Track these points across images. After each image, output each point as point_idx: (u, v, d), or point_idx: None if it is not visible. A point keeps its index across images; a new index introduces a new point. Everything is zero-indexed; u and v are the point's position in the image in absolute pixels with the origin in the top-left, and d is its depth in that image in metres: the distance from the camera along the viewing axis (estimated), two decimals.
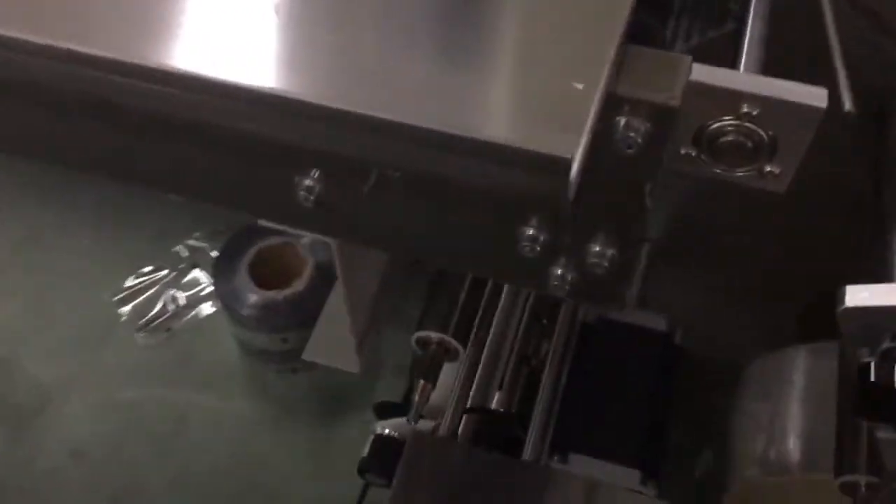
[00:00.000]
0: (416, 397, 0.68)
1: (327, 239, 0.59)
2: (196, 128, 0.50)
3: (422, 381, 0.67)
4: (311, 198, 0.51)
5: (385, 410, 0.85)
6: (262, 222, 0.58)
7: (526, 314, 0.84)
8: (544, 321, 0.85)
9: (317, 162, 0.49)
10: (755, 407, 0.88)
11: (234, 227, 1.24)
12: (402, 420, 0.82)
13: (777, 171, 0.41)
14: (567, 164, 0.37)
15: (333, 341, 0.73)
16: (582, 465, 0.72)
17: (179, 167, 0.55)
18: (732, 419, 0.86)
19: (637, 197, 0.45)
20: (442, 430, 0.73)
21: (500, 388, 0.80)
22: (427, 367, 0.68)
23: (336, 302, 0.75)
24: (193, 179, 0.56)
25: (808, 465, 0.86)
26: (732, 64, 0.42)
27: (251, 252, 1.18)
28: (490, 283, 0.75)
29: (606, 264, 0.49)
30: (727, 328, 0.87)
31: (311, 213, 0.52)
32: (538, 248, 0.48)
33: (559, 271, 0.51)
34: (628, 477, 0.72)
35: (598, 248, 0.48)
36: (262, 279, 1.17)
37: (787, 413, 0.91)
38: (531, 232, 0.49)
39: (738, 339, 0.86)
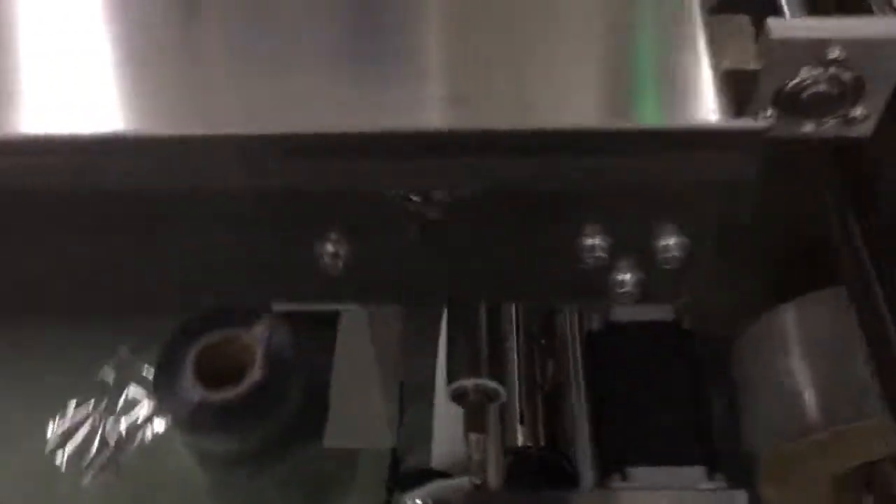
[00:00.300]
0: (473, 453, 0.62)
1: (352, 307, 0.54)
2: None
3: (473, 435, 0.62)
4: (339, 263, 0.46)
5: (410, 480, 0.78)
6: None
7: (521, 336, 0.80)
8: (542, 341, 0.81)
9: (342, 215, 0.43)
10: (757, 374, 0.87)
11: (161, 331, 1.13)
12: (435, 485, 0.76)
13: (864, 114, 0.39)
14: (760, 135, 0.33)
15: (356, 420, 0.67)
16: (643, 478, 0.69)
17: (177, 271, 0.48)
18: (740, 393, 0.85)
19: None
20: (492, 482, 0.68)
21: (521, 422, 0.75)
22: (474, 417, 0.62)
23: (346, 379, 0.69)
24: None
25: (829, 420, 0.86)
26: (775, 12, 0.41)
27: (192, 353, 1.08)
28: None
29: (680, 256, 0.46)
30: (723, 303, 0.86)
31: (341, 282, 0.47)
32: (604, 255, 0.45)
33: (624, 276, 0.47)
34: (694, 475, 0.69)
35: (672, 241, 0.45)
36: (210, 380, 1.07)
37: (792, 372, 0.90)
38: (595, 240, 0.45)
39: (733, 312, 0.86)
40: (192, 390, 1.05)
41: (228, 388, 1.05)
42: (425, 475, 0.78)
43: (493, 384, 0.61)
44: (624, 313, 0.78)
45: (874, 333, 0.74)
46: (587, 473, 0.70)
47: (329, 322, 1.29)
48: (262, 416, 1.05)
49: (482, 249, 0.47)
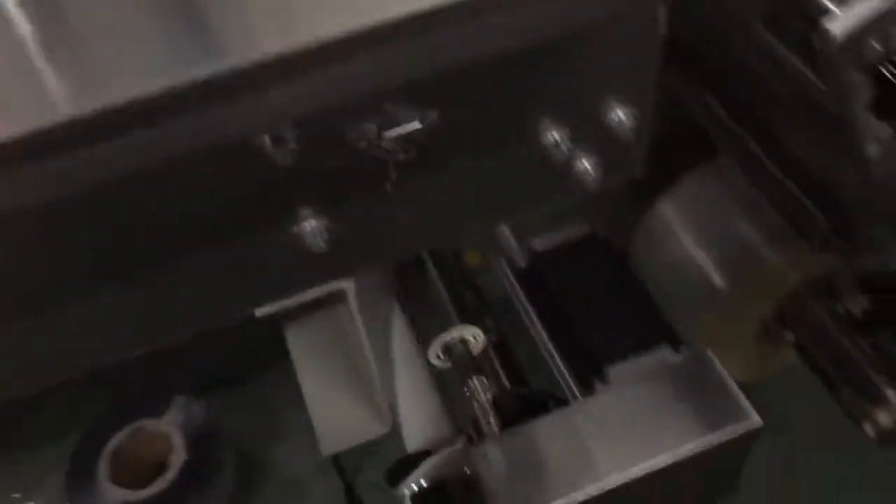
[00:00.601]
0: (478, 396, 0.62)
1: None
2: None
3: (474, 380, 0.62)
4: (321, 238, 0.45)
5: (400, 472, 0.77)
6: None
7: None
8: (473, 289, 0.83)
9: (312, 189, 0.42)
10: (657, 265, 0.93)
11: (62, 443, 1.04)
12: (423, 466, 0.75)
13: None
14: None
15: (341, 420, 0.65)
16: (620, 373, 0.72)
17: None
18: (650, 287, 0.90)
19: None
20: (488, 431, 0.68)
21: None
22: (465, 365, 0.62)
23: (315, 385, 0.66)
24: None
25: (733, 280, 0.93)
26: None
27: (105, 455, 1.01)
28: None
29: (630, 125, 0.49)
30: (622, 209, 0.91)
31: (327, 258, 0.46)
32: (567, 146, 0.48)
33: (583, 164, 0.50)
34: (663, 355, 0.73)
35: (619, 113, 0.49)
36: (130, 479, 1.00)
37: (686, 253, 0.97)
38: (555, 135, 0.47)
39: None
40: (110, 495, 0.97)
41: (152, 484, 0.99)
42: (409, 462, 0.77)
43: (473, 329, 0.61)
44: (542, 243, 0.81)
45: (763, 184, 0.82)
46: (574, 389, 0.72)
47: (244, 381, 1.25)
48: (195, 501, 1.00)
49: (458, 180, 0.47)
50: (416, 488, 0.75)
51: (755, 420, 0.66)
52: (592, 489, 0.64)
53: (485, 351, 0.66)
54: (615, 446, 0.66)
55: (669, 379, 0.69)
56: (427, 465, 0.75)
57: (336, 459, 1.26)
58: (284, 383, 1.36)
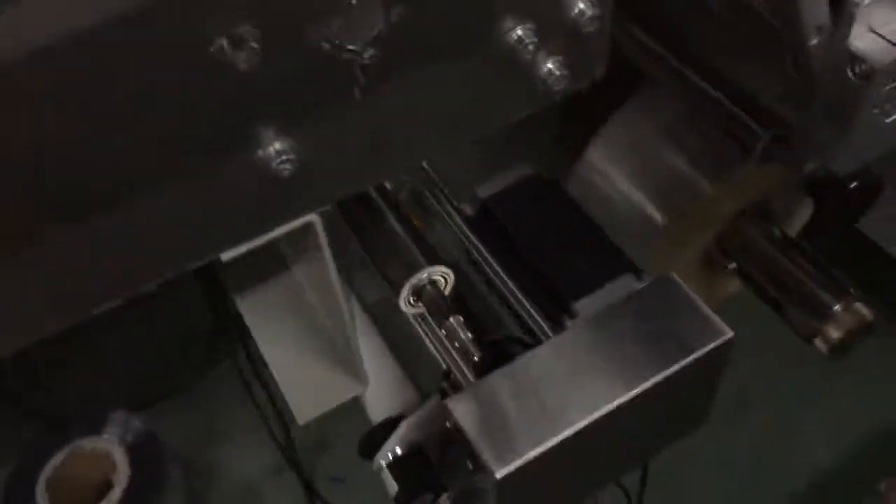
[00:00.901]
0: (458, 337, 0.59)
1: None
2: None
3: (452, 319, 0.59)
4: (288, 161, 0.42)
5: (374, 441, 0.73)
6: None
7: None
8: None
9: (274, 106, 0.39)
10: (598, 204, 0.92)
11: None
12: (397, 432, 0.72)
13: None
14: None
15: (318, 385, 0.60)
16: (587, 306, 0.71)
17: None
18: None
19: None
20: (469, 376, 0.66)
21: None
22: (439, 306, 0.59)
23: (280, 353, 0.62)
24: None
25: (672, 210, 0.94)
26: None
27: (42, 482, 0.93)
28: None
29: (593, 16, 0.48)
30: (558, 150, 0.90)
31: (294, 185, 0.42)
32: (533, 42, 0.46)
33: (548, 65, 0.48)
34: (627, 283, 0.72)
35: (582, 5, 0.47)
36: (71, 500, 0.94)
37: (623, 192, 0.97)
38: (520, 32, 0.46)
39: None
40: None
41: None
42: (382, 430, 0.74)
43: (442, 268, 0.59)
44: (486, 189, 0.79)
45: (697, 104, 0.82)
46: (544, 328, 0.71)
47: (180, 389, 1.18)
48: None
49: (425, 89, 0.45)
50: (391, 457, 0.72)
51: (727, 333, 0.66)
52: (580, 423, 0.62)
53: (455, 290, 0.63)
54: (595, 379, 0.65)
55: (637, 305, 0.68)
56: (402, 430, 0.72)
57: (292, 454, 1.21)
58: (223, 387, 1.31)
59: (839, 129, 0.65)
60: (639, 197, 0.95)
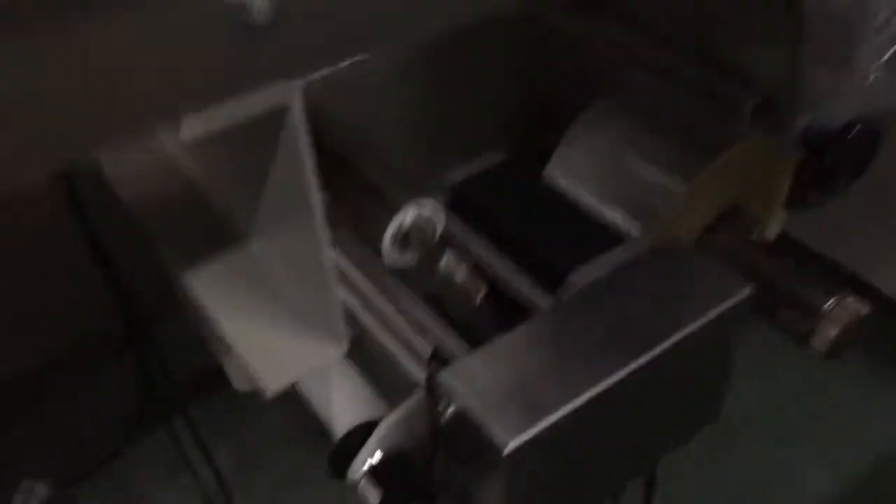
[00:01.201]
0: (464, 272, 0.51)
1: None
2: None
3: (450, 253, 0.51)
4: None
5: (346, 452, 0.63)
6: None
7: None
8: None
9: None
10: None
11: None
12: (374, 437, 0.62)
13: None
14: None
15: (287, 350, 0.51)
16: (587, 276, 0.64)
17: None
18: None
19: None
20: (462, 349, 0.57)
21: None
22: (435, 241, 0.51)
23: (240, 321, 0.52)
24: None
25: (648, 229, 0.89)
26: None
27: None
28: None
29: None
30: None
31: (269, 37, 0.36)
32: None
33: None
34: (621, 254, 0.67)
35: None
36: None
37: (591, 204, 0.92)
38: None
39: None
40: None
41: None
42: (354, 437, 0.64)
43: (428, 201, 0.51)
44: (457, 175, 0.74)
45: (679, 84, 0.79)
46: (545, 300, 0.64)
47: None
48: None
49: None
50: (368, 466, 0.62)
51: (745, 288, 0.60)
52: (594, 390, 0.54)
53: (445, 228, 0.55)
54: (606, 344, 0.57)
55: (644, 269, 0.62)
56: (381, 431, 0.62)
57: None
58: (153, 460, 1.18)
59: (832, 73, 0.63)
60: (608, 209, 0.91)
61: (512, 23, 0.79)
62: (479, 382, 0.55)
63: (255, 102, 0.39)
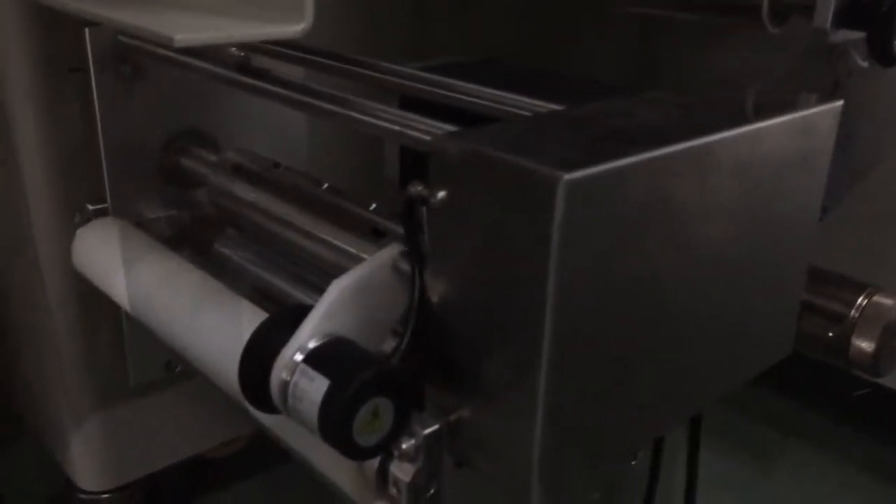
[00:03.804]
0: None
1: None
2: None
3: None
4: None
5: (274, 338, 0.39)
6: None
7: None
8: None
9: None
10: None
11: None
12: (328, 298, 0.39)
13: None
14: None
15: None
16: None
17: None
18: None
19: None
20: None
21: None
22: None
23: None
24: None
25: None
26: None
27: None
28: None
29: None
30: None
31: None
32: None
33: None
34: None
35: None
36: None
37: None
38: None
39: None
40: None
41: None
42: (286, 316, 0.41)
43: None
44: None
45: None
46: None
47: None
48: None
49: None
50: (301, 356, 0.39)
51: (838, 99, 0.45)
52: (661, 150, 0.36)
53: None
54: (671, 125, 0.40)
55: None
56: (332, 296, 0.40)
57: None
58: None
59: None
60: None
61: None
62: (504, 140, 0.36)
63: None
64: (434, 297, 0.38)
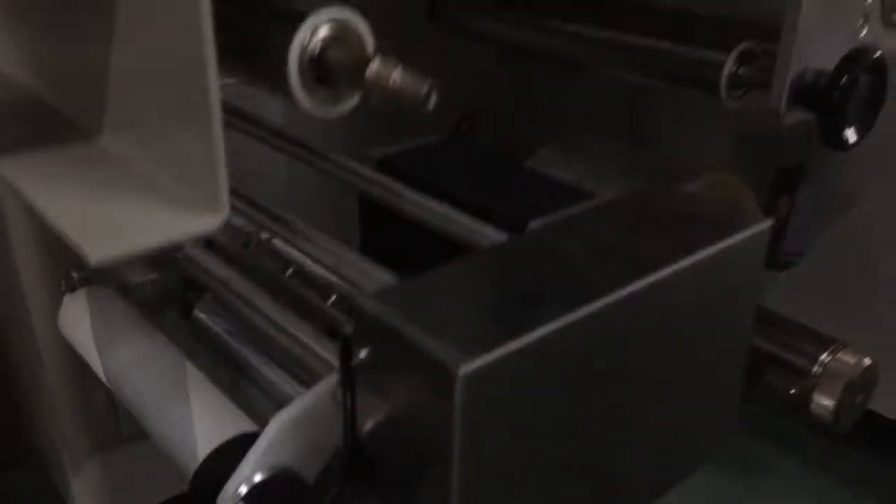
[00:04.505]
0: (397, 75, 0.34)
1: None
2: None
3: (377, 61, 0.34)
4: None
5: (219, 471, 0.42)
6: None
7: None
8: None
9: None
10: None
11: None
12: (267, 436, 0.41)
13: None
14: None
15: (135, 214, 0.31)
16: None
17: None
18: None
19: None
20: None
21: None
22: (362, 53, 0.34)
23: (65, 191, 0.33)
24: None
25: None
26: None
27: None
28: None
29: None
30: None
31: None
32: None
33: None
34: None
35: None
36: None
37: None
38: None
39: None
40: None
41: None
42: (228, 452, 0.44)
43: (350, 13, 0.35)
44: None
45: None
46: None
47: None
48: None
49: None
50: (246, 489, 0.41)
51: (765, 220, 0.46)
52: (575, 314, 0.37)
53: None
54: (592, 269, 0.41)
55: (627, 205, 0.47)
56: (264, 442, 0.42)
57: None
58: None
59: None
60: None
61: None
62: (417, 305, 0.37)
63: None
64: (364, 431, 0.41)
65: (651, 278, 0.40)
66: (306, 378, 0.52)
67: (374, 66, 0.34)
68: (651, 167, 0.74)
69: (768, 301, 0.88)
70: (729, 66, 0.59)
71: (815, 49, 0.55)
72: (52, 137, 0.42)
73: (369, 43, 0.35)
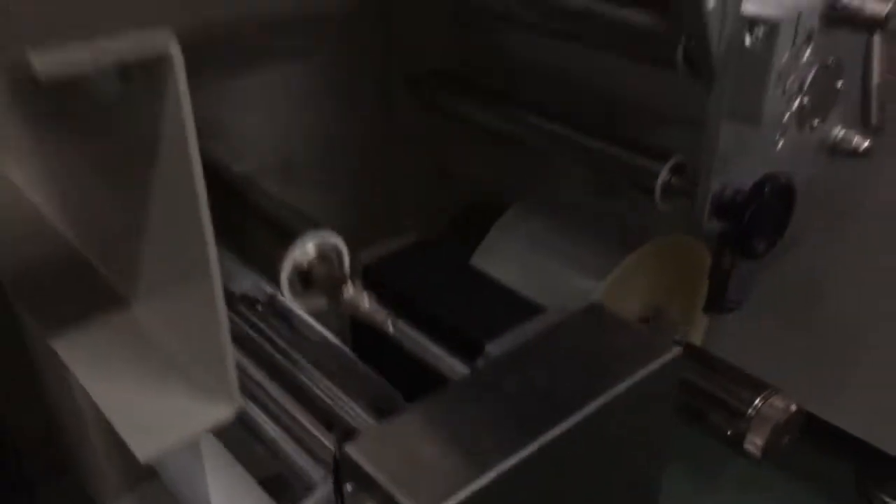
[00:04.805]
0: (366, 303, 0.44)
1: None
2: None
3: (351, 284, 0.45)
4: None
5: None
6: None
7: None
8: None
9: None
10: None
11: None
12: None
13: None
14: None
15: (167, 412, 0.41)
16: (503, 344, 0.58)
17: None
18: None
19: None
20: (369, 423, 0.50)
21: None
22: (342, 275, 0.44)
23: (113, 385, 0.43)
24: None
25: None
26: None
27: None
28: None
29: None
30: None
31: None
32: None
33: None
34: (546, 320, 0.61)
35: None
36: None
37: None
38: None
39: None
40: None
41: None
42: None
43: (331, 235, 0.45)
44: (368, 255, 0.69)
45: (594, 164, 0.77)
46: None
47: None
48: None
49: None
50: None
51: (673, 348, 0.56)
52: (518, 456, 0.47)
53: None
54: (527, 410, 0.51)
55: (564, 332, 0.58)
56: None
57: None
58: None
59: (739, 129, 0.62)
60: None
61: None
62: (389, 453, 0.48)
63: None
64: None
65: (578, 416, 0.50)
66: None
67: (349, 292, 0.44)
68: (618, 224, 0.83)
69: (715, 343, 0.99)
70: (663, 176, 0.68)
71: (736, 167, 0.65)
72: (93, 305, 0.52)
73: (346, 261, 0.45)
